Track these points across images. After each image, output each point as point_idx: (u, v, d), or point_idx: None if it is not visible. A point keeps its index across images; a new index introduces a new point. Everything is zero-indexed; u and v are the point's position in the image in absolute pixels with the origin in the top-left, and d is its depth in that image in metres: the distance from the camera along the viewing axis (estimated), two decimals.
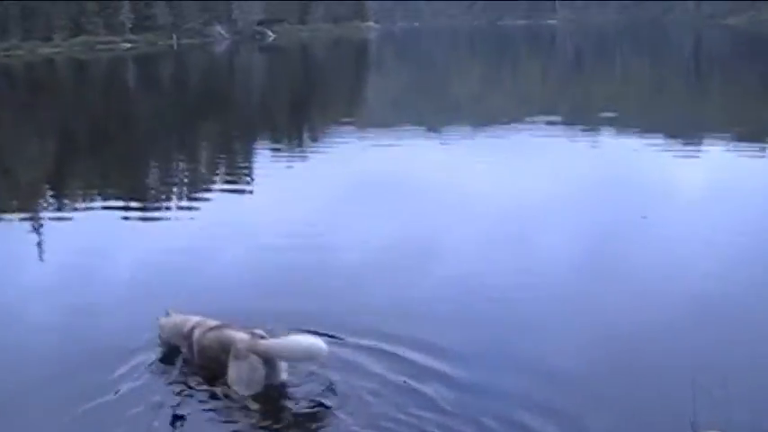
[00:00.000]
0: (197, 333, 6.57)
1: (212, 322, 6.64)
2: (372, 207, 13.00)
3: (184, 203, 14.21)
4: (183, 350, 6.71)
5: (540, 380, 6.38)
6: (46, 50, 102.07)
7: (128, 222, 12.89)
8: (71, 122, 29.82)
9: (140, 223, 12.90)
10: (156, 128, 26.98)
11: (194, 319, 6.76)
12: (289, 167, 17.24)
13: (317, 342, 6.18)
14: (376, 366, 6.55)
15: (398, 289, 8.80)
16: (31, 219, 13.32)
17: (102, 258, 10.53)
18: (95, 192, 15.65)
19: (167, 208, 14.07)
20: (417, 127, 22.68)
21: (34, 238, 11.95)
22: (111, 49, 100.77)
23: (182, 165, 19.15)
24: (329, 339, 6.67)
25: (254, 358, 6.06)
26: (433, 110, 28.83)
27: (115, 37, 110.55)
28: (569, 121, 22.13)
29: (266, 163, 17.85)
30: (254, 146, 20.92)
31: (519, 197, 13.19)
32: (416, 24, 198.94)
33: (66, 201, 15.11)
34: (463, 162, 16.92)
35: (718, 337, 7.28)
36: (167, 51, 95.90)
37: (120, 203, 14.24)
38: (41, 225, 12.80)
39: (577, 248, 10.16)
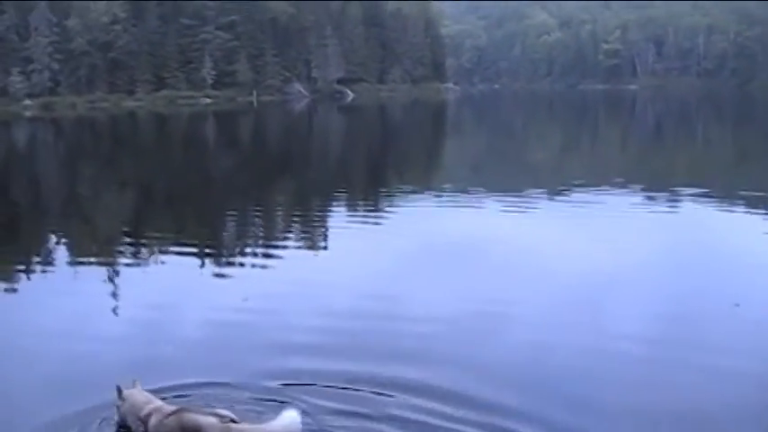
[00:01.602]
0: (154, 419, 6.32)
1: (170, 407, 6.42)
2: (446, 271, 12.80)
3: (257, 260, 14.15)
4: None
5: None
6: (129, 103, 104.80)
7: (199, 276, 12.92)
8: (151, 175, 30.19)
9: (212, 278, 12.91)
10: (233, 183, 27.09)
11: (154, 403, 6.54)
12: (363, 228, 17.02)
13: (294, 421, 5.98)
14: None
15: (469, 353, 8.74)
16: (107, 266, 13.68)
17: (170, 309, 10.78)
18: (170, 244, 15.85)
19: (240, 264, 14.04)
20: (494, 192, 22.38)
21: (109, 285, 12.20)
22: (192, 104, 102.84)
23: (257, 221, 19.13)
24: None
25: None
26: (511, 174, 28.57)
27: (196, 92, 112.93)
28: (649, 190, 21.62)
29: (341, 223, 17.69)
30: (330, 205, 20.81)
31: (599, 268, 12.73)
32: (496, 87, 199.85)
33: (141, 251, 15.27)
34: (540, 228, 16.63)
35: None
36: (247, 108, 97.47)
37: (194, 257, 14.50)
38: (117, 273, 13.05)
39: (656, 326, 9.75)
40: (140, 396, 6.61)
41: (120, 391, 6.66)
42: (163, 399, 6.79)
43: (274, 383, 7.67)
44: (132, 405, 6.54)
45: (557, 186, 23.36)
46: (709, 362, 8.48)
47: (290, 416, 6.03)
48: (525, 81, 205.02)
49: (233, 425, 5.93)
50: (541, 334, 9.39)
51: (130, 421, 6.53)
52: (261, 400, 7.22)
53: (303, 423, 6.28)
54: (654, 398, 7.57)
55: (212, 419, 5.96)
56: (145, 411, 6.40)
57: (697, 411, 7.25)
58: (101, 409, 7.03)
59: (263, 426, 6.05)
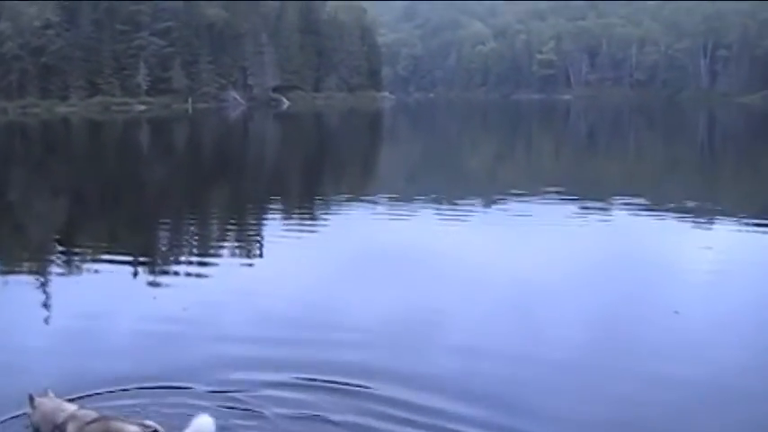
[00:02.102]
0: (72, 427, 6.18)
1: (90, 415, 6.27)
2: (382, 279, 12.87)
3: (194, 270, 14.02)
4: None
5: None
6: (62, 109, 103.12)
7: (136, 286, 12.78)
8: (84, 183, 29.79)
9: (149, 287, 12.74)
10: (168, 192, 26.90)
11: (69, 409, 6.39)
12: (300, 237, 17.00)
13: (207, 423, 6.02)
14: None
15: (403, 359, 8.81)
16: (38, 277, 13.41)
17: (106, 319, 10.60)
18: (105, 253, 15.55)
19: (177, 273, 13.88)
20: (429, 200, 22.48)
21: (40, 296, 11.94)
22: (126, 111, 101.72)
23: (193, 230, 18.97)
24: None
25: None
26: (446, 183, 28.67)
27: (131, 99, 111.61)
28: (584, 200, 21.88)
29: (277, 232, 17.63)
30: (265, 214, 20.76)
31: (535, 277, 12.83)
32: (431, 96, 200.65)
33: (75, 261, 15.01)
34: (475, 237, 16.76)
35: None
36: (182, 115, 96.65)
37: (130, 266, 14.29)
38: (49, 284, 12.83)
39: (597, 333, 9.92)
40: (52, 403, 6.46)
41: (31, 399, 6.52)
42: (77, 403, 6.68)
43: (214, 391, 7.68)
44: (45, 413, 6.39)
45: (492, 195, 23.56)
46: (651, 368, 8.62)
47: (204, 420, 6.02)
48: (460, 90, 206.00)
49: None
50: (476, 343, 9.42)
51: (45, 429, 6.38)
52: (197, 407, 7.14)
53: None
54: (593, 405, 7.69)
55: (136, 428, 5.90)
56: (60, 419, 6.25)
57: (637, 418, 7.34)
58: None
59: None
